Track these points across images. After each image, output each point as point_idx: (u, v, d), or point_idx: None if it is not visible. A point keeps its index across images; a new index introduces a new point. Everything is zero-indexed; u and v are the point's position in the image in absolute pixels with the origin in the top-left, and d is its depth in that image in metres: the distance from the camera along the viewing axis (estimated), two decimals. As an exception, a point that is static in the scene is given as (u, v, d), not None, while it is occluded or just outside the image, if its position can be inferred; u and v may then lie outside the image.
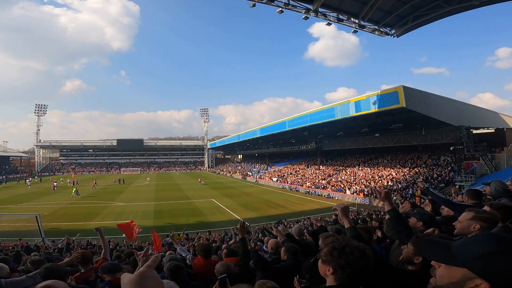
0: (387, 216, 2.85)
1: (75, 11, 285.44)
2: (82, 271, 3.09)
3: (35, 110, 69.32)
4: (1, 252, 7.57)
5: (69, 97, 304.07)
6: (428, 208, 4.03)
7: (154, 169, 73.53)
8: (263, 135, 41.92)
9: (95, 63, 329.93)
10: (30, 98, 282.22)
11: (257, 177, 45.37)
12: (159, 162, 79.58)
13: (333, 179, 30.40)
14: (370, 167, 30.04)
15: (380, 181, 25.19)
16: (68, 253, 6.80)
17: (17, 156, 75.14)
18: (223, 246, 6.04)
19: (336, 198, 25.77)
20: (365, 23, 12.75)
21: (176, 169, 74.88)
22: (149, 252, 1.86)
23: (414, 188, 20.69)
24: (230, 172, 59.04)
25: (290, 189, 32.98)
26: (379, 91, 19.77)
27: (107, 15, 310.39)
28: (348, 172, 31.13)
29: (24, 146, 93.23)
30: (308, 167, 39.94)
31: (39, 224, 13.96)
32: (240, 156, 77.25)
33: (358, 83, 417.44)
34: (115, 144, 75.18)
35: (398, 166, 27.01)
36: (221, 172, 63.76)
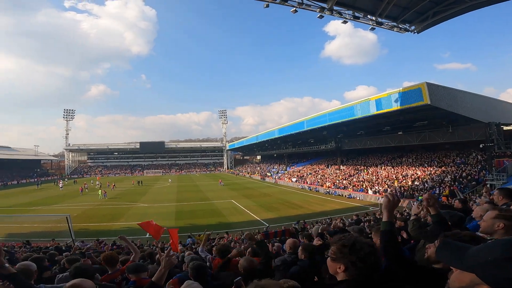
0: (412, 217, 2.86)
1: (96, 16, 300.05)
2: (109, 272, 3.17)
3: (63, 115, 72.55)
4: (36, 252, 7.82)
5: (94, 102, 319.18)
6: (458, 207, 3.93)
7: (175, 171, 75.27)
8: (282, 135, 41.93)
9: (117, 68, 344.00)
10: (58, 103, 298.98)
11: (276, 177, 45.39)
12: (179, 164, 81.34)
13: (354, 179, 29.77)
14: (393, 166, 29.08)
15: (404, 181, 24.33)
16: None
17: (48, 160, 78.84)
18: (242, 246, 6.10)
19: (358, 198, 25.24)
20: (383, 20, 12.44)
21: (196, 171, 76.23)
22: (170, 254, 2.08)
23: (442, 188, 19.80)
24: (249, 173, 59.52)
25: (310, 190, 32.70)
26: (401, 88, 19.16)
27: (125, 20, 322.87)
28: (370, 172, 30.33)
29: (53, 150, 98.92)
30: (328, 167, 39.37)
31: (69, 225, 14.27)
32: (258, 157, 77.65)
33: (378, 81, 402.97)
34: (138, 147, 77.93)
35: (424, 165, 25.93)
36: (240, 173, 64.41)
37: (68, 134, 73.03)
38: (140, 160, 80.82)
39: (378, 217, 11.62)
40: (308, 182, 35.28)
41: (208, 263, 3.88)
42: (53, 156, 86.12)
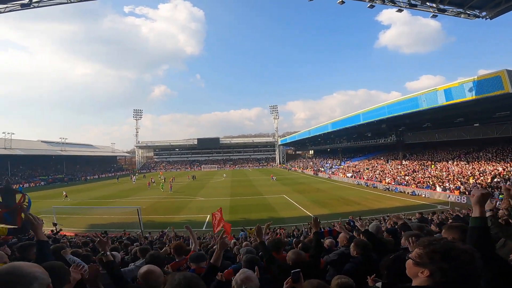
0: (487, 213, 2.45)
1: (152, 20, 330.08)
2: (176, 260, 3.45)
3: (133, 115, 79.99)
4: (113, 242, 8.69)
5: (157, 102, 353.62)
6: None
7: (229, 166, 77.97)
8: (335, 129, 40.70)
9: (174, 69, 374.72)
10: (128, 104, 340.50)
11: (330, 172, 44.43)
12: (233, 159, 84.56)
13: (419, 175, 27.38)
14: (468, 162, 25.77)
15: (481, 177, 21.49)
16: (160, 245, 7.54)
17: (122, 156, 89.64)
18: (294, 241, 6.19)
19: (423, 195, 23.29)
20: (446, 7, 11.29)
21: (249, 166, 78.29)
22: (224, 236, 2.59)
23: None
24: (301, 168, 59.38)
25: (367, 186, 31.28)
26: (476, 76, 16.90)
27: (177, 22, 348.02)
28: (439, 167, 27.46)
29: (126, 147, 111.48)
30: (387, 162, 36.85)
31: (139, 216, 14.95)
32: (311, 152, 76.45)
33: (445, 70, 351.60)
34: (196, 143, 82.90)
35: (506, 159, 22.39)
36: (292, 168, 64.68)
37: (137, 132, 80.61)
38: (198, 155, 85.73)
39: (453, 214, 10.86)
40: (365, 178, 33.74)
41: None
42: (126, 152, 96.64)
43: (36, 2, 11.00)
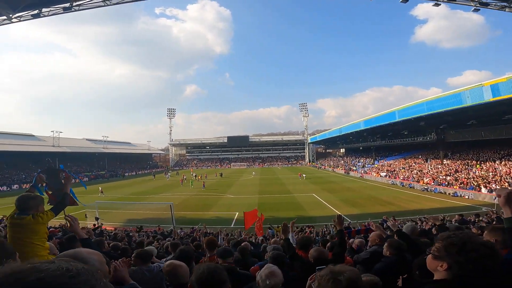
0: None
1: (181, 21, 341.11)
2: (208, 255, 3.45)
3: (167, 113, 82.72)
4: (147, 237, 8.86)
5: (189, 101, 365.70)
6: None
7: (258, 164, 78.20)
8: (368, 127, 39.44)
9: (204, 68, 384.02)
10: (162, 103, 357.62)
11: (362, 171, 43.14)
12: (262, 157, 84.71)
13: (463, 175, 25.63)
14: (520, 162, 23.55)
15: (536, 180, 19.61)
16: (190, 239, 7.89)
17: (157, 153, 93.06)
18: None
19: (466, 197, 21.84)
20: (488, 0, 10.61)
21: (278, 164, 78.08)
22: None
23: None
24: (331, 167, 58.28)
25: (402, 186, 29.96)
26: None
27: (205, 22, 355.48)
28: (484, 167, 25.44)
29: (161, 145, 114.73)
30: (426, 161, 34.83)
31: (172, 212, 15.23)
32: (342, 150, 74.51)
33: (491, 64, 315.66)
34: (226, 141, 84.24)
35: None
36: (322, 167, 63.72)
37: (171, 130, 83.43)
38: (228, 153, 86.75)
39: (496, 217, 10.24)
40: (401, 178, 32.33)
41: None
42: (160, 150, 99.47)
43: (76, 5, 11.66)
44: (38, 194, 3.02)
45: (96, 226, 11.99)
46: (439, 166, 30.83)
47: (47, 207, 2.72)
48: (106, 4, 11.70)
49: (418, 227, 6.72)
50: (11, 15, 11.44)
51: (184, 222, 16.00)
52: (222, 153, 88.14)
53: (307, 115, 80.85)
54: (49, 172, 3.58)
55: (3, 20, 11.82)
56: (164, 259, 3.59)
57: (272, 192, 28.34)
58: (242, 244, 4.74)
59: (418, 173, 31.33)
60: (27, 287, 0.44)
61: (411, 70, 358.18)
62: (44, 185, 3.44)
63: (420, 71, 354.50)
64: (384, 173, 36.65)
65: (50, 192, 3.46)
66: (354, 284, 0.99)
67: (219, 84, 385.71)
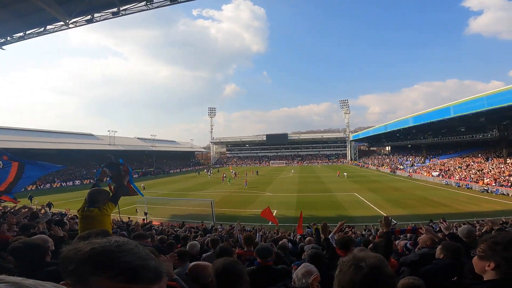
0: None
1: (218, 21, 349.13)
2: (245, 249, 3.43)
3: (208, 112, 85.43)
4: (189, 232, 9.14)
5: (229, 99, 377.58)
6: None
7: (297, 162, 77.63)
8: (418, 124, 37.16)
9: (242, 67, 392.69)
10: (203, 103, 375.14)
11: (410, 170, 40.74)
12: (302, 155, 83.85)
13: (531, 177, 23.03)
14: None
15: None
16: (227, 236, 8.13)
17: (199, 151, 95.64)
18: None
19: (536, 201, 19.73)
20: None
21: (318, 162, 76.82)
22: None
23: None
24: (375, 165, 55.80)
25: (458, 186, 27.85)
26: None
27: (241, 22, 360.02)
28: (561, 169, 22.50)
29: (203, 143, 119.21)
30: (487, 160, 31.69)
31: (212, 209, 15.58)
32: (388, 148, 70.45)
33: None
34: (265, 139, 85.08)
35: None
36: (365, 165, 61.28)
37: (212, 129, 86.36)
38: (267, 151, 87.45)
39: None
40: (456, 177, 30.01)
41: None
42: (202, 148, 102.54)
43: (123, 10, 12.09)
44: (103, 188, 3.24)
45: (146, 222, 12.90)
46: (502, 166, 27.89)
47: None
48: (148, 8, 12.11)
49: (476, 230, 6.37)
50: (67, 21, 12.27)
51: (224, 218, 16.25)
52: (261, 151, 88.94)
53: (348, 112, 78.07)
54: (111, 166, 3.81)
55: (61, 26, 12.79)
56: (205, 254, 3.68)
57: (311, 190, 28.14)
58: (280, 242, 4.83)
59: (477, 173, 28.76)
60: (80, 255, 0.57)
61: (467, 63, 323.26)
62: (107, 179, 3.70)
63: (478, 64, 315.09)
64: (437, 173, 34.27)
65: (113, 185, 3.65)
66: (377, 271, 0.91)
67: (257, 83, 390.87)
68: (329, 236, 4.25)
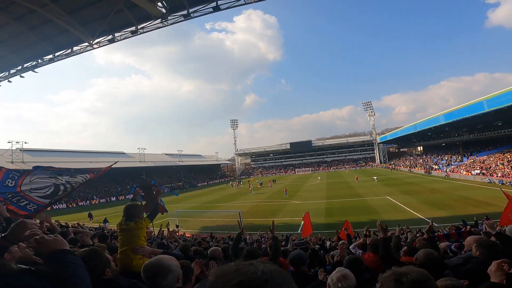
0: None
1: (232, 33, 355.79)
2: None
3: (230, 125, 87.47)
4: (219, 244, 9.05)
5: (250, 110, 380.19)
6: None
7: (323, 168, 76.59)
8: (450, 121, 35.50)
9: (261, 76, 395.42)
10: (225, 115, 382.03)
11: (447, 170, 38.79)
12: (327, 161, 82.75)
13: None
14: None
15: None
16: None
17: (225, 163, 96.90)
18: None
19: None
20: None
21: (345, 167, 75.21)
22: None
23: None
24: (407, 167, 53.61)
25: (502, 183, 26.15)
26: None
27: (254, 32, 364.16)
28: None
29: (227, 155, 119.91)
30: (532, 155, 29.55)
31: (240, 219, 15.66)
32: (419, 148, 67.42)
33: None
34: (289, 147, 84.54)
35: None
36: (396, 167, 59.00)
37: (235, 141, 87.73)
38: (291, 160, 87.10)
39: None
40: (499, 175, 28.25)
41: None
42: (227, 160, 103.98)
43: (141, 28, 12.46)
44: (139, 203, 3.48)
45: (180, 233, 13.08)
46: (552, 159, 25.91)
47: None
48: (164, 25, 12.30)
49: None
50: (91, 41, 12.80)
51: (253, 228, 16.20)
52: (286, 160, 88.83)
53: (373, 113, 76.00)
54: (144, 187, 4.24)
55: (86, 47, 13.30)
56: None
57: (340, 196, 27.69)
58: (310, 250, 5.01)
59: (523, 168, 26.93)
60: (228, 287, 0.52)
61: (493, 55, 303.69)
62: (139, 196, 4.05)
63: (506, 57, 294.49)
64: (478, 171, 32.42)
65: (144, 203, 3.95)
66: (418, 285, 0.86)
67: (276, 91, 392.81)
68: (351, 246, 4.49)
